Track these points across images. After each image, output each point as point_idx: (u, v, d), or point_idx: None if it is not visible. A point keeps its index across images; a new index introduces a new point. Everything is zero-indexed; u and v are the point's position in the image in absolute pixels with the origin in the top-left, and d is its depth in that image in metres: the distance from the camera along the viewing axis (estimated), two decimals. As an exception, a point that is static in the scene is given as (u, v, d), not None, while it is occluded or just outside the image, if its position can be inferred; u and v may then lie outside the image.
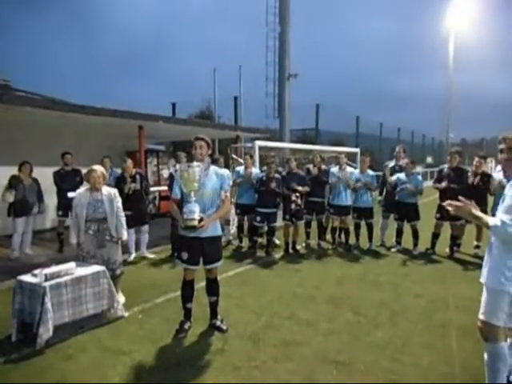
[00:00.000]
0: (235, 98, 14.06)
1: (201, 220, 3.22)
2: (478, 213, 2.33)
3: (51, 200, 6.76)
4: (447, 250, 6.29)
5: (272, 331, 3.49)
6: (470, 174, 6.16)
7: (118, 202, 4.19)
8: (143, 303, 4.18)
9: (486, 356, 2.35)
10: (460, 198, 2.39)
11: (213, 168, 3.49)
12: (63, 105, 6.11)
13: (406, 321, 3.72)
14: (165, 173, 11.01)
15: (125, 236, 4.18)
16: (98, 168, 4.13)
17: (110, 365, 2.92)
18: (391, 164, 7.02)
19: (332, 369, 2.84)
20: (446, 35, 26.47)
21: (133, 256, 6.10)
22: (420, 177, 6.69)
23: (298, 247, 6.65)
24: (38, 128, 7.51)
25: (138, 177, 6.12)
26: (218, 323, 3.53)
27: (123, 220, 4.19)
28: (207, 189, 3.35)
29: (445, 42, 26.65)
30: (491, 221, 2.24)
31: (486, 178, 6.06)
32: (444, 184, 5.99)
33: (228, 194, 3.50)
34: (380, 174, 7.95)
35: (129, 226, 5.92)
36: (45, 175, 6.51)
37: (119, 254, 4.21)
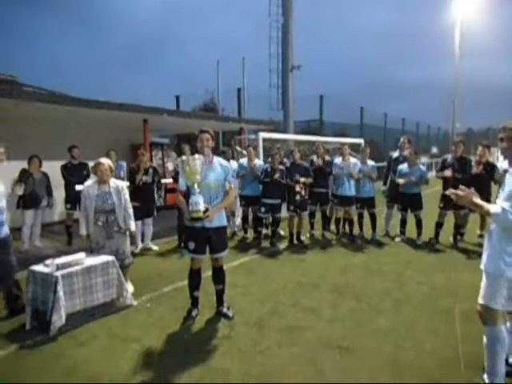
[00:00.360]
0: (238, 90, 14.04)
1: (206, 211, 3.30)
2: (479, 201, 2.38)
3: (59, 193, 6.88)
4: (451, 239, 6.33)
5: (277, 318, 3.58)
6: (473, 163, 6.17)
7: (126, 194, 4.27)
8: (151, 292, 4.28)
9: (484, 339, 2.42)
10: (461, 187, 2.44)
11: (217, 160, 3.56)
12: (70, 99, 6.18)
13: (408, 308, 3.80)
14: (170, 165, 11.09)
15: (133, 227, 4.28)
16: (105, 161, 4.21)
17: (120, 351, 3.03)
18: (395, 154, 7.04)
19: (336, 354, 2.92)
20: (452, 24, 26.07)
21: (139, 247, 6.22)
22: (423, 167, 6.71)
23: (303, 238, 6.72)
24: (46, 122, 7.62)
25: (150, 170, 6.22)
26: (225, 310, 3.63)
27: (131, 211, 4.28)
28: (212, 180, 3.43)
29: (451, 30, 26.26)
30: (492, 208, 2.29)
31: (490, 167, 6.06)
32: (449, 172, 5.99)
33: (232, 185, 3.57)
34: (383, 164, 7.97)
35: (136, 218, 6.06)
36: (53, 169, 6.62)
37: (127, 244, 4.30)
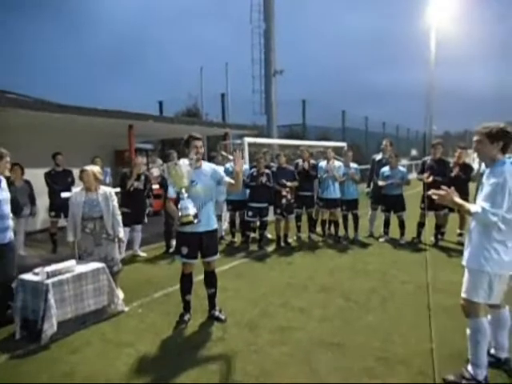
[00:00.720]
0: (222, 96, 14.13)
1: (196, 215, 3.33)
2: (460, 200, 2.53)
3: (42, 201, 6.78)
4: (432, 238, 6.56)
5: (268, 319, 3.66)
6: (451, 164, 6.42)
7: (114, 200, 4.27)
8: (142, 298, 4.29)
9: (468, 331, 2.56)
10: (443, 187, 2.59)
11: (206, 164, 3.61)
12: (54, 106, 6.12)
13: (394, 305, 3.94)
14: (155, 171, 11.04)
15: (121, 234, 4.28)
16: (90, 168, 4.20)
17: (115, 356, 3.04)
18: (378, 157, 7.25)
19: (327, 350, 3.02)
20: (427, 30, 26.95)
21: (123, 255, 6.04)
22: (404, 169, 6.94)
23: (290, 240, 6.83)
24: (29, 129, 7.49)
25: (142, 177, 6.20)
26: (217, 313, 3.68)
27: (119, 218, 4.27)
28: (202, 186, 3.47)
29: (426, 36, 27.14)
30: (473, 208, 2.44)
31: (467, 168, 6.33)
32: (426, 176, 6.22)
33: (228, 179, 3.61)
34: (365, 167, 8.19)
35: (125, 224, 6.03)
36: (36, 176, 6.53)
37: (116, 251, 4.29)
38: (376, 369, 2.75)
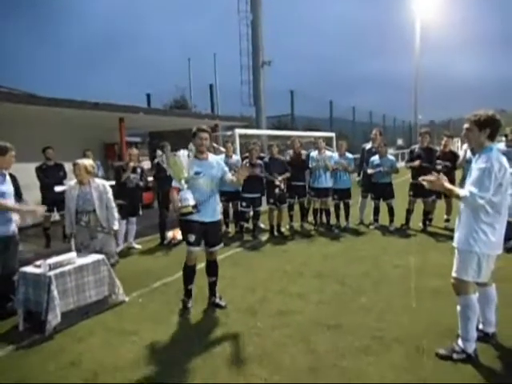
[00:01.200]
0: (211, 87, 14.07)
1: (195, 206, 3.41)
2: (450, 185, 2.67)
3: (32, 196, 6.72)
4: (420, 224, 6.77)
5: (267, 304, 3.78)
6: (438, 153, 6.61)
7: (108, 193, 4.28)
8: (141, 288, 4.36)
9: (458, 308, 2.72)
10: (433, 173, 2.72)
11: (212, 156, 3.70)
12: (44, 100, 6.06)
13: (386, 287, 4.10)
14: (145, 164, 11.01)
15: (116, 227, 4.29)
16: (82, 161, 4.21)
17: (120, 344, 3.12)
18: (368, 146, 7.40)
19: (325, 330, 3.17)
20: (413, 19, 27.19)
21: (120, 247, 6.10)
22: (393, 157, 7.11)
23: (283, 229, 6.96)
24: (17, 123, 7.39)
25: (138, 170, 6.21)
26: (218, 300, 3.79)
27: (114, 211, 4.29)
28: (209, 176, 3.55)
29: (411, 26, 27.38)
30: (462, 192, 2.58)
31: (453, 155, 6.53)
32: (417, 162, 6.40)
33: (230, 177, 3.70)
34: (356, 156, 8.33)
35: (122, 217, 6.06)
36: (25, 171, 6.46)
37: (112, 244, 4.33)
38: (372, 347, 2.90)
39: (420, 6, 26.58)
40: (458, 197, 2.64)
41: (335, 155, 7.17)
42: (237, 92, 14.08)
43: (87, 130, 8.78)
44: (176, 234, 6.70)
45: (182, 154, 3.42)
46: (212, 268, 3.80)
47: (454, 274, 2.72)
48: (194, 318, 3.57)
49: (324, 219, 7.27)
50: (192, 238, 3.57)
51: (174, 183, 3.57)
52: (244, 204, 6.61)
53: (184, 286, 3.77)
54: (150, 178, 8.13)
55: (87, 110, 6.56)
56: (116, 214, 4.34)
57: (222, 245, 3.81)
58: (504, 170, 2.54)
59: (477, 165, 2.58)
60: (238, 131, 8.62)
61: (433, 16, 28.15)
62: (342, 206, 7.15)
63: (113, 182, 5.98)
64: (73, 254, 3.72)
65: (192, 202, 3.40)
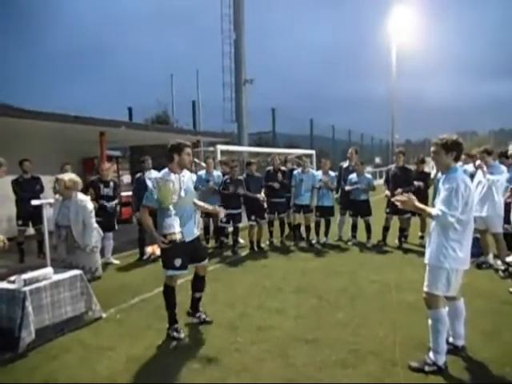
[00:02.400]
0: (193, 103, 14.20)
1: (180, 232, 3.25)
2: (421, 205, 2.83)
3: (6, 210, 6.56)
4: (396, 241, 6.96)
5: (246, 319, 3.80)
6: (413, 172, 6.88)
7: (86, 209, 4.23)
8: (119, 304, 4.30)
9: (429, 321, 2.83)
10: (404, 194, 2.89)
11: (187, 174, 3.58)
12: (23, 112, 6.00)
13: (363, 302, 4.20)
14: (125, 178, 10.92)
15: (90, 245, 4.22)
16: (62, 176, 4.20)
17: (96, 360, 3.07)
18: (345, 164, 7.63)
19: (303, 345, 3.22)
20: (389, 45, 28.57)
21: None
22: (370, 175, 7.35)
23: (263, 245, 7.02)
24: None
25: (111, 184, 6.17)
26: (203, 316, 3.76)
27: (91, 228, 4.24)
28: (190, 192, 3.50)
29: (387, 51, 28.77)
30: (433, 211, 2.74)
31: (426, 175, 6.82)
32: (388, 193, 6.69)
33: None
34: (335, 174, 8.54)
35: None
36: (1, 184, 6.32)
37: (92, 259, 4.29)
38: (348, 360, 2.97)
39: (396, 31, 27.97)
40: (430, 216, 2.79)
41: (319, 173, 7.37)
42: (219, 108, 14.25)
43: (66, 144, 8.68)
44: (155, 249, 6.63)
45: (175, 177, 3.28)
46: (200, 283, 3.74)
47: (425, 289, 2.84)
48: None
49: (304, 235, 7.39)
50: (178, 262, 3.34)
51: (150, 203, 3.31)
52: (224, 220, 6.65)
53: (169, 312, 3.47)
54: (126, 193, 8.09)
55: (68, 123, 6.51)
56: (93, 232, 4.26)
57: (207, 258, 3.81)
58: (469, 189, 2.72)
59: (444, 185, 2.75)
60: (220, 147, 8.73)
61: (408, 41, 29.62)
62: (322, 222, 7.29)
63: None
64: (49, 269, 3.66)
65: (178, 229, 3.23)
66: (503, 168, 5.23)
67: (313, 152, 12.72)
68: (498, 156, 5.62)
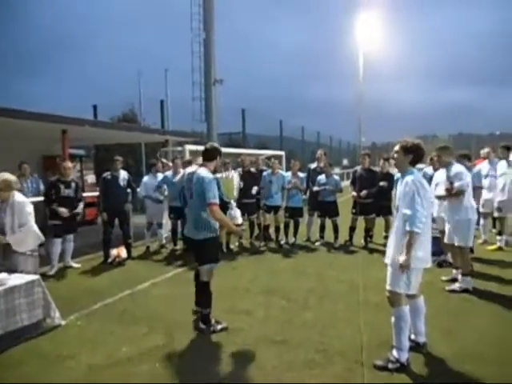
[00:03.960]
0: (161, 102, 13.91)
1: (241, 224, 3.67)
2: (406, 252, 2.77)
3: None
4: (362, 241, 7.14)
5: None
6: (378, 174, 7.08)
7: (24, 211, 3.95)
8: (80, 310, 4.11)
9: (392, 319, 2.90)
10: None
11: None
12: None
13: (330, 302, 4.25)
14: (89, 178, 10.53)
15: (22, 249, 3.95)
16: (1, 175, 3.93)
17: (55, 370, 2.91)
18: (313, 166, 7.74)
19: (271, 346, 3.20)
20: (356, 50, 29.46)
21: (55, 269, 5.68)
22: (338, 177, 7.49)
23: (232, 246, 6.97)
24: None
25: (73, 184, 5.90)
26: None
27: (31, 230, 3.98)
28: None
29: (355, 56, 29.66)
30: (409, 229, 2.75)
31: (389, 176, 7.03)
32: (355, 194, 6.89)
33: None
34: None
35: (56, 236, 5.71)
36: None
37: (28, 265, 3.99)
38: (316, 360, 2.99)
39: (363, 37, 28.93)
40: (411, 240, 2.75)
41: (288, 174, 7.43)
42: (188, 107, 14.00)
43: (24, 142, 8.23)
44: (121, 251, 6.43)
45: (233, 175, 3.50)
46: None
47: (387, 287, 2.92)
48: (136, 340, 3.42)
49: (273, 235, 7.42)
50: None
51: (215, 199, 3.42)
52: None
53: (210, 310, 3.57)
54: (90, 194, 7.80)
55: (26, 120, 6.16)
56: (31, 235, 3.98)
57: None
58: (424, 190, 2.83)
59: (402, 187, 2.87)
60: (189, 147, 8.60)
61: (374, 47, 30.69)
62: (291, 223, 7.35)
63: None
64: (4, 275, 3.43)
65: (240, 221, 3.86)
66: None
67: (282, 153, 12.82)
68: (457, 158, 5.87)
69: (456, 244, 4.56)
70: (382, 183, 6.79)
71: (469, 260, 4.68)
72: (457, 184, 4.43)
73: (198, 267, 3.66)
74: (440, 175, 5.35)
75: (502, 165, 6.38)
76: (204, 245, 3.54)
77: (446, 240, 4.78)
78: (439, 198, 4.88)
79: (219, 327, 3.54)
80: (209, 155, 3.67)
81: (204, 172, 3.51)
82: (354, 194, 6.91)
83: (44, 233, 4.14)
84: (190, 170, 3.79)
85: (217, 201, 3.44)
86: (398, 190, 2.96)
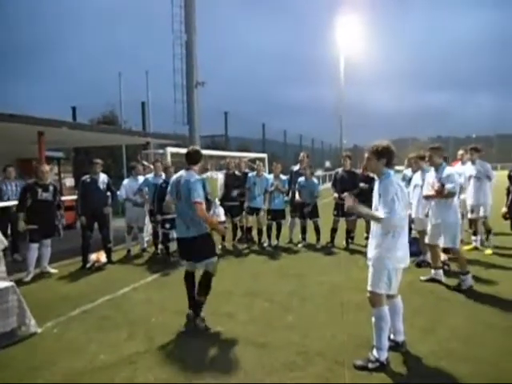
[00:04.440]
0: (143, 104, 13.75)
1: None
2: (363, 210, 2.97)
3: None
4: (344, 242, 7.21)
5: (195, 326, 3.70)
6: (359, 175, 7.17)
7: None
8: (57, 317, 4.00)
9: (373, 319, 2.93)
10: (346, 196, 3.01)
11: None
12: None
13: (312, 304, 4.28)
14: (68, 181, 10.29)
15: None
16: None
17: (29, 381, 2.82)
18: (296, 168, 7.80)
19: (253, 349, 3.19)
20: (337, 52, 29.92)
21: (31, 275, 5.53)
22: (316, 180, 7.53)
23: (214, 249, 6.93)
24: None
25: (51, 187, 5.75)
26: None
27: None
28: None
29: (336, 60, 30.16)
30: (379, 214, 2.84)
31: (370, 179, 7.13)
32: (336, 195, 6.99)
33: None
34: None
35: (34, 241, 5.55)
36: None
37: None
38: (297, 362, 2.99)
39: (344, 41, 29.45)
40: (374, 218, 2.91)
41: (271, 177, 7.46)
42: (170, 109, 13.89)
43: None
44: (100, 256, 6.31)
45: (218, 175, 3.53)
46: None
47: (368, 288, 2.95)
48: (115, 346, 3.35)
49: (256, 238, 7.43)
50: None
51: (200, 198, 3.58)
52: (168, 226, 6.39)
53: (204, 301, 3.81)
54: (69, 198, 7.63)
55: (2, 122, 5.98)
56: None
57: None
58: (401, 191, 2.87)
59: (379, 190, 2.91)
60: (170, 149, 8.52)
61: (355, 51, 31.26)
62: (274, 225, 7.37)
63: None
64: (-25, 282, 3.31)
65: (223, 218, 3.97)
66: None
67: (265, 156, 12.86)
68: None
69: (442, 246, 4.63)
70: (362, 185, 6.89)
71: (465, 259, 4.72)
72: (449, 186, 4.43)
73: (195, 264, 3.85)
74: (418, 177, 5.47)
75: (468, 167, 6.50)
76: (197, 241, 3.69)
77: (427, 240, 4.85)
78: (427, 197, 4.81)
79: (202, 324, 3.70)
80: (192, 159, 3.83)
81: (190, 174, 3.71)
82: (336, 195, 6.99)
83: (17, 237, 4.03)
84: (177, 174, 3.98)
85: (201, 200, 3.59)
86: (377, 193, 2.99)
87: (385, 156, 2.93)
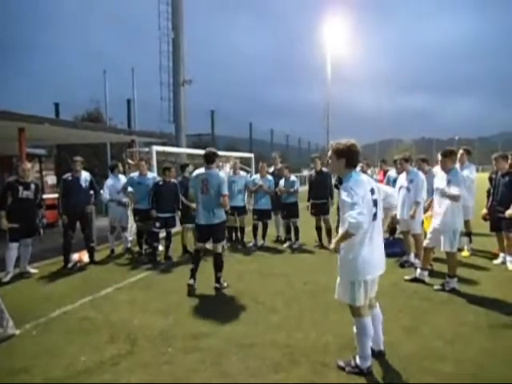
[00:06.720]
0: (128, 101, 13.55)
1: None
2: (336, 240, 2.75)
3: None
4: (327, 241, 7.22)
5: (179, 328, 3.66)
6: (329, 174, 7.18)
7: None
8: (36, 319, 3.90)
9: (354, 329, 2.86)
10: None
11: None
12: None
13: (297, 304, 4.27)
14: (49, 179, 10.05)
15: None
16: None
17: (5, 385, 2.73)
18: (271, 169, 7.89)
19: (237, 351, 3.16)
20: (324, 54, 30.24)
21: (10, 276, 5.38)
22: (295, 178, 7.53)
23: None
24: None
25: (32, 186, 5.61)
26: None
27: None
28: None
29: (324, 61, 30.43)
30: (345, 228, 2.58)
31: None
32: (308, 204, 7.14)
33: None
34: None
35: (14, 240, 5.41)
36: None
37: None
38: (282, 363, 2.97)
39: (330, 44, 29.88)
40: (343, 238, 2.65)
41: (257, 176, 7.44)
42: (156, 107, 13.76)
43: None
44: (82, 256, 6.19)
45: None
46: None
47: (345, 301, 2.83)
48: (97, 348, 3.28)
49: (239, 237, 7.41)
50: None
51: (226, 191, 4.71)
52: (158, 225, 6.33)
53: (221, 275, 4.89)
54: (50, 196, 7.46)
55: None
56: None
57: None
58: (364, 193, 2.60)
59: (343, 192, 2.62)
60: (156, 148, 8.41)
61: (341, 53, 31.64)
62: (260, 225, 7.35)
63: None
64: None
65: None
66: (420, 174, 5.59)
67: (251, 155, 12.84)
68: (416, 162, 6.07)
69: (442, 249, 4.60)
70: (333, 181, 6.98)
71: (456, 263, 4.69)
72: (456, 191, 4.39)
73: (214, 244, 4.81)
74: (403, 178, 5.53)
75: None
76: (219, 226, 4.77)
77: (425, 244, 4.83)
78: (443, 192, 4.55)
79: (225, 284, 4.81)
80: (211, 158, 4.72)
81: (215, 172, 4.73)
82: (308, 204, 7.14)
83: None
84: (198, 171, 4.84)
85: (227, 192, 4.77)
86: (340, 199, 2.67)
87: (344, 156, 2.65)
